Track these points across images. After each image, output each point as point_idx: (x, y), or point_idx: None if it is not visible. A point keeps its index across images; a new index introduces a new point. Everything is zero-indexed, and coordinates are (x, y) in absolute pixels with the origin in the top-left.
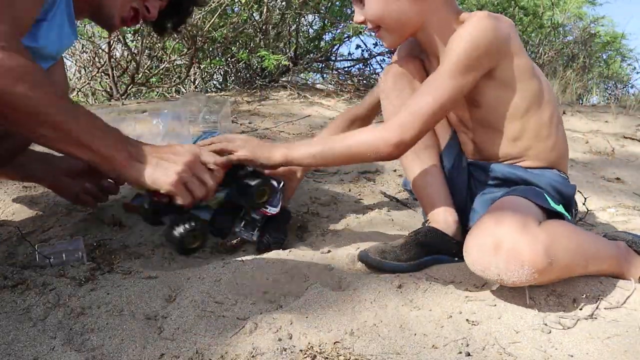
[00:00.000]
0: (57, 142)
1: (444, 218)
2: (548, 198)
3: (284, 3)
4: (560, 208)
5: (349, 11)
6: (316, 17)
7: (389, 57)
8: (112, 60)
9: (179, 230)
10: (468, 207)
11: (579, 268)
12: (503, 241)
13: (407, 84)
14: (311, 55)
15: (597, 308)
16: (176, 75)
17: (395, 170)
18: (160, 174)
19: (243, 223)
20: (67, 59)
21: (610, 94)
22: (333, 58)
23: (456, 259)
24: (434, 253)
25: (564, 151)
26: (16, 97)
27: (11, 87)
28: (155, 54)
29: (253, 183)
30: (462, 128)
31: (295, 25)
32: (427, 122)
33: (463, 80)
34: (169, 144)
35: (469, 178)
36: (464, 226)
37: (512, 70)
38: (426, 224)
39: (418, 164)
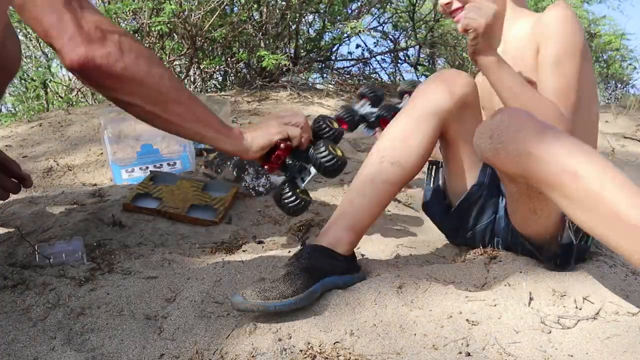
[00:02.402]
0: (182, 118)
1: (335, 234)
2: None
3: (284, 3)
4: None
5: (349, 11)
6: (316, 17)
7: (389, 57)
8: None
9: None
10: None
11: (590, 174)
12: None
13: None
14: (311, 55)
15: (600, 309)
16: (176, 76)
17: None
18: (267, 131)
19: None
20: None
21: (610, 94)
22: (333, 58)
23: (348, 277)
24: (322, 276)
25: None
26: (155, 79)
27: (145, 70)
28: (155, 53)
29: None
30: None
31: (295, 25)
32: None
33: (580, 61)
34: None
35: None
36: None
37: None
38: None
39: (372, 174)
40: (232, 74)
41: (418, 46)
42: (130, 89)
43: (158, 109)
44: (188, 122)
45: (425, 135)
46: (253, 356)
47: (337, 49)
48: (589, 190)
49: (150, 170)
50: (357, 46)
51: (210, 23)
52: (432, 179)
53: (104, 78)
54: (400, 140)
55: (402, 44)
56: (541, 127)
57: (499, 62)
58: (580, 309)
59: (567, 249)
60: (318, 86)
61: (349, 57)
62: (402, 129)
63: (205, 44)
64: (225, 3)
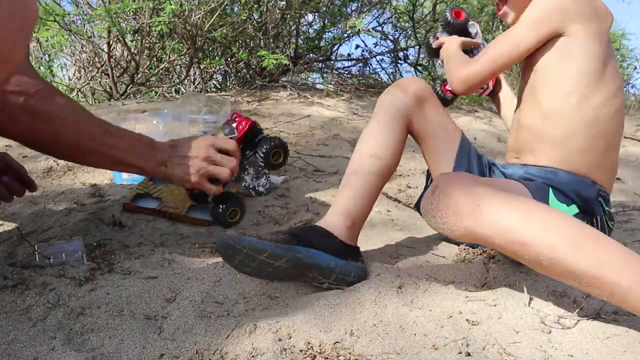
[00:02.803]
0: (99, 164)
1: (332, 219)
2: (552, 194)
3: (283, 3)
4: (564, 207)
5: (349, 11)
6: (316, 17)
7: (389, 57)
8: (112, 60)
9: (222, 207)
10: None
11: (535, 240)
12: (438, 184)
13: None
14: (311, 55)
15: (600, 309)
16: (176, 75)
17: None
18: (184, 174)
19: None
20: (67, 59)
21: None
22: (333, 58)
23: (342, 261)
24: (309, 247)
25: (603, 165)
26: (64, 137)
27: (56, 133)
28: (155, 53)
29: (265, 148)
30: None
31: (295, 25)
32: (498, 65)
33: (535, 31)
34: (189, 137)
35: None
36: None
37: (576, 42)
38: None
39: (355, 168)
40: (232, 74)
41: (418, 46)
42: (43, 149)
43: (73, 160)
44: (103, 165)
45: (393, 130)
46: (253, 356)
47: (337, 49)
48: (540, 254)
49: None
50: (357, 46)
51: (210, 23)
52: (430, 183)
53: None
54: (373, 137)
55: (402, 44)
56: (477, 203)
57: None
58: (580, 309)
59: None
60: (318, 86)
61: (349, 57)
62: (373, 130)
63: (205, 44)
64: (225, 3)
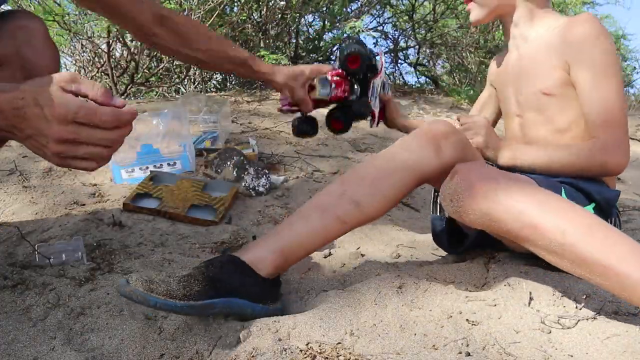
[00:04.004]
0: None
1: (259, 251)
2: (564, 194)
3: (283, 3)
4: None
5: (349, 11)
6: (316, 17)
7: (389, 57)
8: (112, 60)
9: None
10: None
11: (548, 224)
12: (458, 171)
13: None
14: (311, 55)
15: (600, 309)
16: (176, 75)
17: None
18: (38, 153)
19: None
20: (67, 59)
21: None
22: (333, 58)
23: (259, 306)
24: (228, 293)
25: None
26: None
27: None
28: (155, 53)
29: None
30: (517, 110)
31: (295, 25)
32: (625, 115)
33: (619, 71)
34: (40, 91)
35: None
36: None
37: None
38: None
39: (327, 205)
40: (232, 74)
41: (418, 46)
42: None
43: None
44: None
45: (396, 185)
46: (253, 356)
47: (337, 49)
48: (552, 240)
49: (150, 170)
50: None
51: (210, 23)
52: (438, 207)
53: None
54: (368, 181)
55: (402, 44)
56: (494, 187)
57: (510, 158)
58: (580, 309)
59: None
60: None
61: None
62: (374, 171)
63: None
64: (224, 3)
